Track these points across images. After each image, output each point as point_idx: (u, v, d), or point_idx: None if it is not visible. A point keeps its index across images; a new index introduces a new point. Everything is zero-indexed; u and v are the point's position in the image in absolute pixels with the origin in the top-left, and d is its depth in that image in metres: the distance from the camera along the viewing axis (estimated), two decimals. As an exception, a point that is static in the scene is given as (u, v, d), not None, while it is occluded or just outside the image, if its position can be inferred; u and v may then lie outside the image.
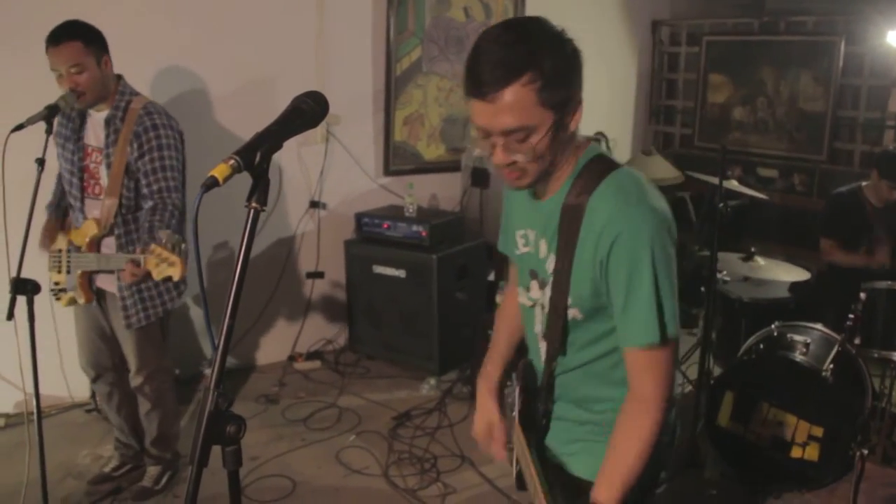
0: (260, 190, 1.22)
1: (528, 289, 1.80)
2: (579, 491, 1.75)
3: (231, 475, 1.25)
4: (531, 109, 1.47)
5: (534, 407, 1.86)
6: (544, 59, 1.47)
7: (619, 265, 1.54)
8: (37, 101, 2.94)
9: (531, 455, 1.75)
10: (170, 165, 3.10)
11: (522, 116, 1.47)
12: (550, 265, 1.68)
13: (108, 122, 3.09)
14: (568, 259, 1.61)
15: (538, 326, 1.80)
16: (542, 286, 1.73)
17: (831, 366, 3.49)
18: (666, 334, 1.55)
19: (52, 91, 2.99)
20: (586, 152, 1.66)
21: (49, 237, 3.27)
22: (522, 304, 1.84)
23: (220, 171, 1.17)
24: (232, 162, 1.19)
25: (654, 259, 1.53)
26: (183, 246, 2.71)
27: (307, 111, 1.33)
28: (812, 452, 3.44)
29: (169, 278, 2.72)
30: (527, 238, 1.78)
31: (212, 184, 1.16)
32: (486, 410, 1.99)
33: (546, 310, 1.72)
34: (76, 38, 2.96)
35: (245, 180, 1.27)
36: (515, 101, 1.45)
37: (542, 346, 1.78)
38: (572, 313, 1.66)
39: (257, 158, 1.21)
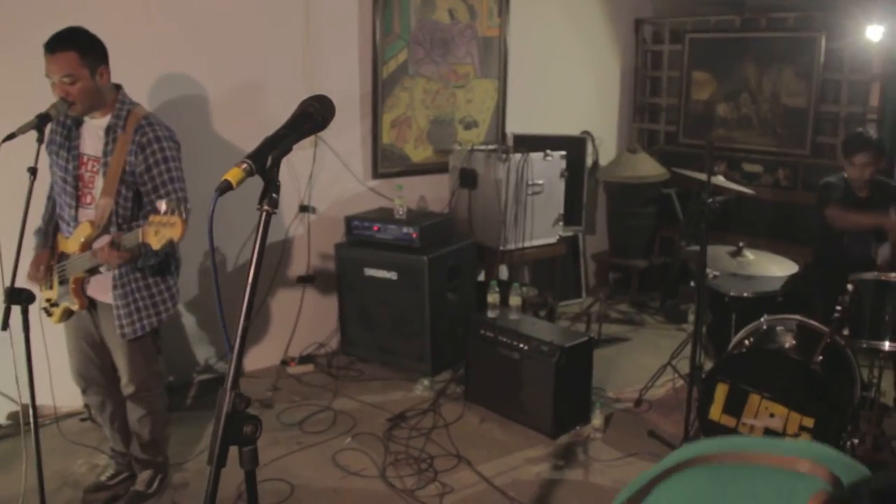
0: (270, 193, 1.24)
1: None
2: None
3: (248, 474, 1.26)
4: None
5: None
6: None
7: None
8: (28, 108, 2.94)
9: None
10: (177, 177, 3.11)
11: None
12: None
13: (108, 130, 3.08)
14: None
15: None
16: None
17: (820, 357, 3.54)
18: None
19: (45, 98, 2.99)
20: None
21: (38, 269, 3.26)
22: None
23: (233, 175, 1.19)
24: (244, 166, 1.21)
25: None
26: (185, 206, 2.63)
27: (315, 114, 1.36)
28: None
29: (170, 242, 2.60)
30: None
31: (226, 187, 1.18)
32: None
33: None
34: (72, 48, 2.93)
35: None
36: None
37: None
38: None
39: (268, 162, 1.23)
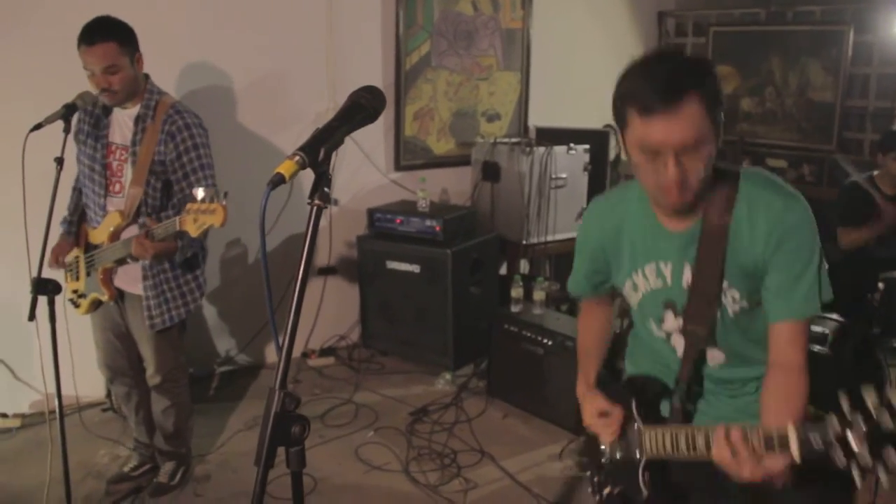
0: (322, 187, 1.21)
1: (661, 321, 1.92)
2: None
3: (294, 476, 1.23)
4: (704, 119, 1.57)
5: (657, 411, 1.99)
6: (706, 78, 1.60)
7: (789, 254, 1.68)
8: (54, 98, 2.93)
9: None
10: (207, 164, 3.10)
11: (698, 127, 1.56)
12: (689, 279, 1.80)
13: (138, 119, 3.06)
14: (716, 268, 1.75)
15: (681, 351, 1.91)
16: (678, 314, 1.86)
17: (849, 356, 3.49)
18: (823, 303, 1.72)
19: (71, 87, 2.98)
20: (713, 171, 1.73)
21: (61, 255, 3.25)
22: (653, 335, 1.98)
23: (286, 168, 1.16)
24: (297, 158, 1.18)
25: (817, 243, 1.70)
26: (224, 193, 2.62)
27: (366, 105, 1.33)
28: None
29: (209, 229, 2.63)
30: (660, 271, 1.85)
31: (279, 181, 1.15)
32: (593, 401, 2.02)
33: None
34: (111, 38, 2.92)
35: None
36: (692, 113, 1.54)
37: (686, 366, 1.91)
38: (738, 307, 1.80)
39: (321, 155, 1.20)
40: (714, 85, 1.61)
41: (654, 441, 1.83)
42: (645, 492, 1.88)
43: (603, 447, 2.04)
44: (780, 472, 1.51)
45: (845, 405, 1.37)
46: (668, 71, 1.57)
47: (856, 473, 1.36)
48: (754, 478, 1.50)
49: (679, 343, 1.91)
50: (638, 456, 1.89)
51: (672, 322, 1.89)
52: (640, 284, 1.91)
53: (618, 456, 1.98)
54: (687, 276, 1.81)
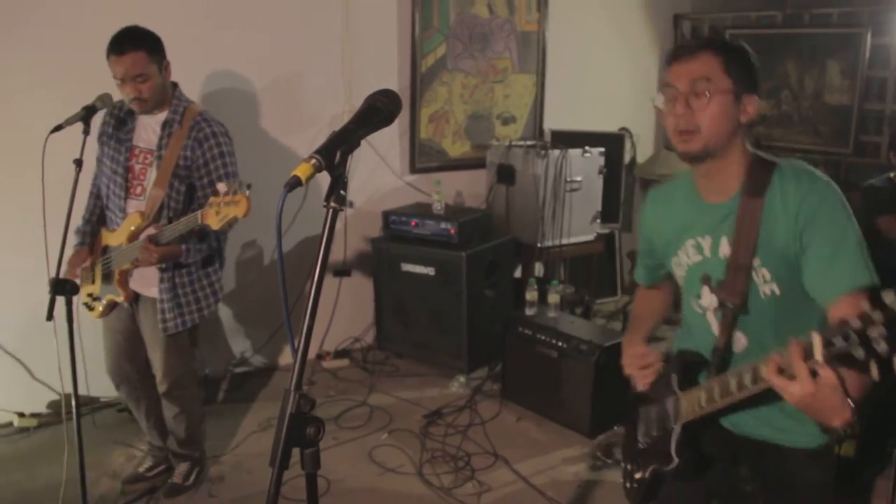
0: (338, 190, 1.21)
1: (699, 296, 1.99)
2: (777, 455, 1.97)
3: (309, 477, 1.23)
4: (717, 69, 1.77)
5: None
6: (731, 46, 1.83)
7: (822, 230, 1.72)
8: (74, 99, 2.95)
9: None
10: (233, 172, 3.14)
11: (711, 73, 1.76)
12: (726, 251, 1.89)
13: (165, 125, 3.10)
14: (750, 241, 1.82)
15: (715, 328, 1.96)
16: (713, 289, 1.92)
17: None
18: (874, 279, 1.68)
19: (91, 88, 3.01)
20: (752, 156, 1.88)
21: (76, 268, 3.26)
22: (694, 312, 2.03)
23: (302, 171, 1.17)
24: (314, 161, 1.18)
25: (852, 220, 1.73)
26: (247, 185, 2.64)
27: (382, 109, 1.33)
28: (849, 449, 3.41)
29: (233, 221, 2.65)
30: (699, 246, 1.97)
31: (295, 183, 1.16)
32: (632, 348, 2.14)
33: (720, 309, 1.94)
34: (140, 47, 2.96)
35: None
36: (705, 61, 1.78)
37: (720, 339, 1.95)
38: (769, 289, 1.83)
39: (337, 158, 1.21)
40: (739, 53, 1.80)
41: (690, 403, 1.90)
42: (676, 459, 1.92)
43: (640, 408, 2.15)
44: (833, 388, 1.47)
45: (865, 305, 1.37)
46: (690, 42, 1.92)
47: (874, 366, 1.36)
48: (805, 393, 1.48)
49: (714, 320, 1.96)
50: (673, 425, 1.96)
51: (708, 297, 1.95)
52: (683, 260, 2.02)
53: (654, 433, 2.04)
54: (724, 248, 1.89)
